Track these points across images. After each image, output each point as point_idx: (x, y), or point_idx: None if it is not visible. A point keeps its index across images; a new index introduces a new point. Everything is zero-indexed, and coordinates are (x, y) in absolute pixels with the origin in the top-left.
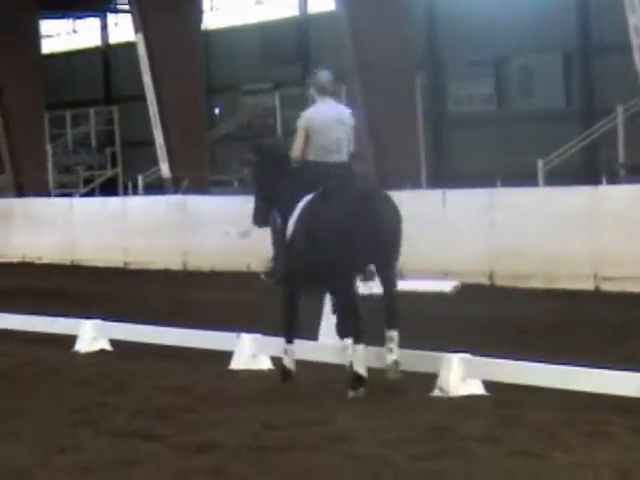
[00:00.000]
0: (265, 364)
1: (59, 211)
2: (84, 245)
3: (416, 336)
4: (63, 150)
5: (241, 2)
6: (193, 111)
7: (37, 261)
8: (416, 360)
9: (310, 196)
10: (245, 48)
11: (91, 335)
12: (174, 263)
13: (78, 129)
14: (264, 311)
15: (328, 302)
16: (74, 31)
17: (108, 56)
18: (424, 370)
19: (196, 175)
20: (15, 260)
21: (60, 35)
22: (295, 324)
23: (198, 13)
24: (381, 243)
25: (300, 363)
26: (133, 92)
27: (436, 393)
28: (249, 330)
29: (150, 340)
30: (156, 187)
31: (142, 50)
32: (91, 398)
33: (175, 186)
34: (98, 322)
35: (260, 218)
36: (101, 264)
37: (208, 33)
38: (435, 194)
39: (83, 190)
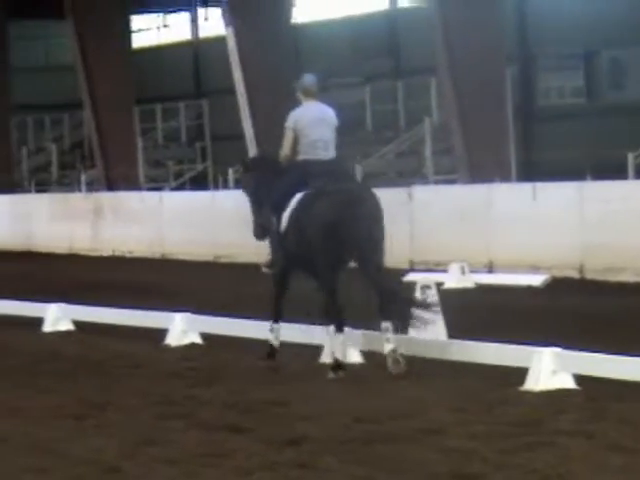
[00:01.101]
0: (354, 357)
1: (149, 205)
2: (174, 239)
3: (506, 330)
4: (153, 144)
5: None
6: (282, 104)
7: (127, 255)
8: (507, 354)
9: (301, 194)
10: (335, 42)
11: (181, 329)
12: (264, 256)
13: (168, 123)
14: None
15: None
16: (164, 25)
17: (198, 50)
18: (515, 364)
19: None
20: (105, 254)
21: (150, 30)
22: (282, 307)
23: (288, 7)
24: (363, 238)
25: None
26: (223, 86)
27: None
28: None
29: (240, 333)
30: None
31: (232, 44)
32: (181, 391)
33: (363, 178)
34: (188, 315)
35: (260, 232)
36: (191, 258)
37: (298, 27)
38: (525, 187)
39: (173, 184)
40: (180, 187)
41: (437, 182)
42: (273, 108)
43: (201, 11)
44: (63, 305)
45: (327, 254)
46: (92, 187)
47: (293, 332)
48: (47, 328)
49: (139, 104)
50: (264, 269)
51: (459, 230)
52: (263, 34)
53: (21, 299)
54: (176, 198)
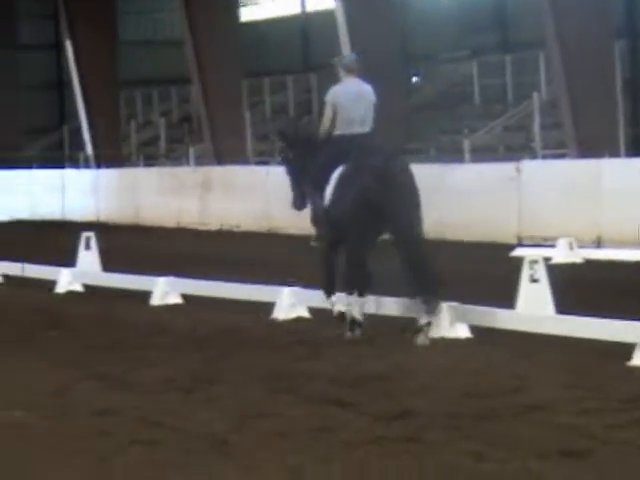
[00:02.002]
0: (463, 332)
1: (257, 179)
2: (280, 213)
3: (614, 305)
4: (261, 118)
5: None
6: (391, 79)
7: (235, 229)
8: (615, 329)
9: (343, 166)
10: (442, 16)
11: (289, 302)
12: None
13: (276, 97)
14: (460, 280)
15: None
16: None
17: (306, 24)
18: (622, 340)
19: (394, 143)
20: (213, 228)
21: (259, 3)
22: (334, 280)
23: None
24: (398, 210)
25: (504, 333)
26: (330, 60)
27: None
28: (447, 298)
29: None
30: None
31: (340, 18)
32: (288, 365)
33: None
34: (296, 290)
35: (299, 203)
36: (297, 232)
37: (405, 2)
38: (634, 162)
39: (280, 158)
40: None
41: (545, 157)
42: (381, 83)
43: None
44: (171, 279)
45: (361, 224)
46: (200, 161)
47: (391, 306)
48: (155, 302)
49: (247, 78)
50: (312, 243)
51: (567, 205)
52: (371, 8)
53: (129, 273)
54: (283, 172)
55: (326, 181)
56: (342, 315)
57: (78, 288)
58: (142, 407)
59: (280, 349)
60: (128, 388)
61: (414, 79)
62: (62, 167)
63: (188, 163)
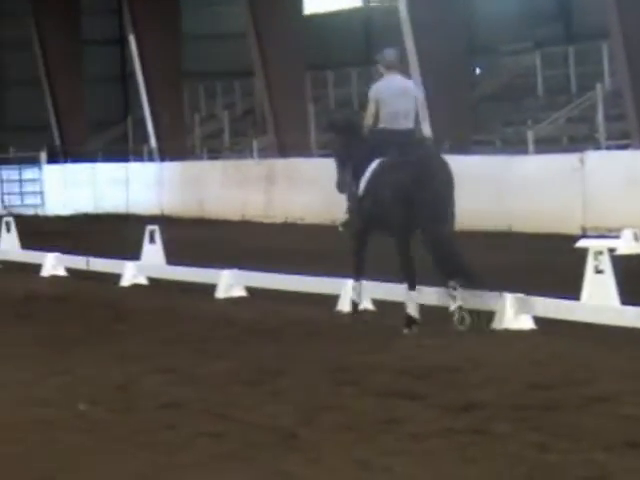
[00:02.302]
0: (527, 324)
1: (320, 172)
2: (344, 206)
3: None
4: (325, 111)
5: None
6: (454, 71)
7: (299, 222)
8: None
9: (379, 160)
10: (505, 8)
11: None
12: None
13: (340, 90)
14: (527, 271)
15: None
16: None
17: (369, 17)
18: None
19: (458, 135)
20: (278, 221)
21: None
22: (363, 267)
23: None
24: (435, 205)
25: (568, 324)
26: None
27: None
28: (512, 289)
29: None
30: None
31: (403, 11)
32: (354, 357)
33: (437, 146)
34: (366, 283)
35: (341, 187)
36: None
37: None
38: None
39: None
40: None
41: (609, 147)
42: (444, 76)
43: None
44: (236, 271)
45: (401, 218)
46: (264, 153)
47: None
48: (220, 294)
49: (310, 70)
50: (340, 228)
51: (632, 196)
52: (436, 1)
53: (194, 265)
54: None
55: (363, 172)
56: (354, 306)
57: (143, 281)
58: (208, 400)
59: (346, 341)
60: (194, 381)
61: (477, 71)
62: (126, 160)
63: (252, 156)
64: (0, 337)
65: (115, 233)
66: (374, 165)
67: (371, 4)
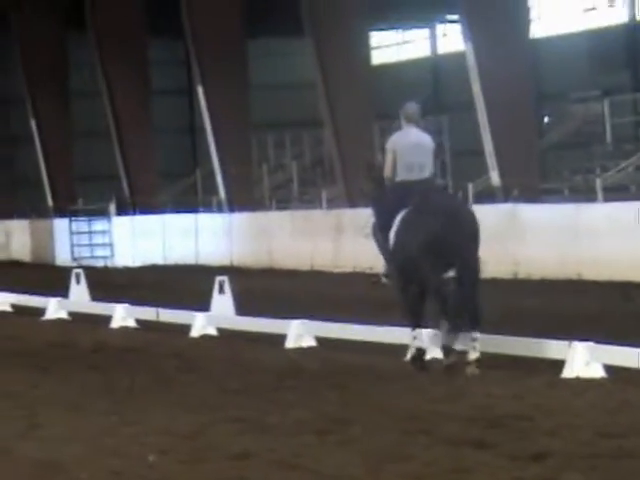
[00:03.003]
0: (598, 372)
1: None
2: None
3: None
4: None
5: (568, 10)
6: (522, 119)
7: (368, 271)
8: None
9: (404, 211)
10: (573, 55)
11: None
12: (504, 272)
13: None
14: (597, 319)
15: None
16: (404, 42)
17: (437, 66)
18: None
19: (526, 183)
20: (347, 270)
21: (390, 46)
22: (417, 314)
23: (526, 22)
24: (461, 252)
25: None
26: (462, 101)
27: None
28: (582, 338)
29: (481, 348)
30: (486, 196)
31: (471, 59)
32: (424, 406)
33: (505, 194)
34: (430, 332)
35: (377, 233)
36: None
37: (536, 41)
38: None
39: None
40: None
41: None
42: (512, 123)
43: (440, 27)
44: (305, 321)
45: (429, 263)
46: (333, 204)
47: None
48: (289, 344)
49: (379, 120)
50: (383, 279)
51: None
52: (502, 49)
53: (264, 316)
54: None
55: (390, 225)
56: (419, 354)
57: (212, 332)
58: (277, 450)
59: (416, 390)
60: (263, 431)
61: (546, 119)
62: (195, 211)
63: (321, 206)
64: (70, 388)
65: (184, 284)
66: (401, 216)
67: (439, 53)
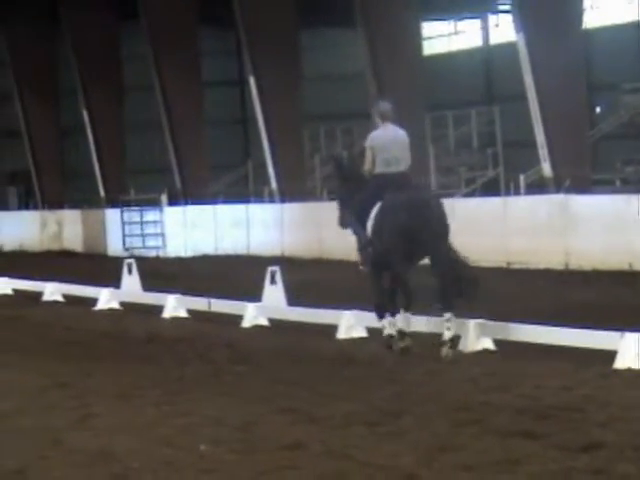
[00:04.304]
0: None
1: None
2: (465, 245)
3: None
4: (444, 151)
5: (621, 0)
6: (574, 110)
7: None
8: None
9: (379, 204)
10: (625, 46)
11: (475, 335)
12: (556, 263)
13: (459, 130)
14: None
15: None
16: (455, 32)
17: (488, 56)
18: None
19: (578, 174)
20: None
21: (441, 37)
22: (385, 302)
23: (578, 12)
24: (430, 240)
25: None
26: (513, 92)
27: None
28: (634, 329)
29: (533, 340)
30: (538, 187)
31: (523, 50)
32: (474, 397)
33: (557, 185)
34: (482, 322)
35: (343, 224)
36: (482, 264)
37: (588, 32)
38: None
39: (464, 190)
40: (471, 193)
41: None
42: (564, 114)
43: (492, 18)
44: (357, 312)
45: (400, 251)
46: None
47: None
48: (341, 335)
49: (430, 111)
50: (360, 267)
51: None
52: (554, 39)
53: (314, 307)
54: (468, 204)
55: (367, 215)
56: (390, 338)
57: (264, 322)
58: (328, 441)
59: (467, 381)
60: (314, 422)
61: (597, 109)
62: (247, 202)
63: None
64: (123, 378)
65: (236, 274)
66: (377, 207)
67: (490, 43)
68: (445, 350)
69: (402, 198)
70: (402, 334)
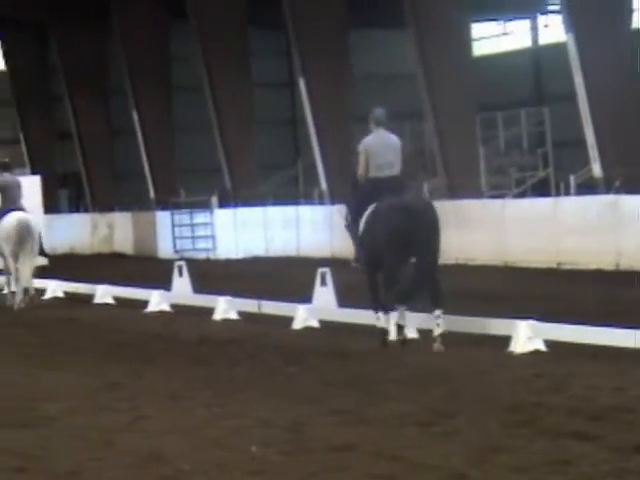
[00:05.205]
0: None
1: (491, 213)
2: (516, 246)
3: None
4: (495, 152)
5: None
6: (624, 109)
7: (470, 263)
8: None
9: (372, 206)
10: None
11: (526, 336)
12: (607, 263)
13: (509, 130)
14: None
15: None
16: (504, 33)
17: (538, 57)
18: None
19: (628, 174)
20: (449, 262)
21: (491, 37)
22: (378, 298)
23: (628, 12)
24: (421, 240)
25: None
26: (563, 92)
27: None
28: None
29: (584, 340)
30: (588, 187)
31: (573, 50)
32: (526, 398)
33: (607, 186)
34: (533, 323)
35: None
36: (533, 265)
37: (638, 31)
38: None
39: (515, 191)
40: (522, 194)
41: None
42: (614, 114)
43: (541, 18)
44: (407, 313)
45: (392, 253)
46: (434, 195)
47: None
48: (392, 336)
49: (480, 112)
50: (353, 264)
51: None
52: (604, 40)
53: (365, 308)
54: (518, 205)
55: (361, 215)
56: (383, 331)
57: (314, 324)
58: (379, 441)
59: (518, 382)
60: (365, 423)
61: None
62: (296, 203)
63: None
64: (174, 380)
65: (286, 276)
66: (371, 209)
67: (540, 44)
68: (437, 346)
69: (395, 201)
70: (400, 328)
